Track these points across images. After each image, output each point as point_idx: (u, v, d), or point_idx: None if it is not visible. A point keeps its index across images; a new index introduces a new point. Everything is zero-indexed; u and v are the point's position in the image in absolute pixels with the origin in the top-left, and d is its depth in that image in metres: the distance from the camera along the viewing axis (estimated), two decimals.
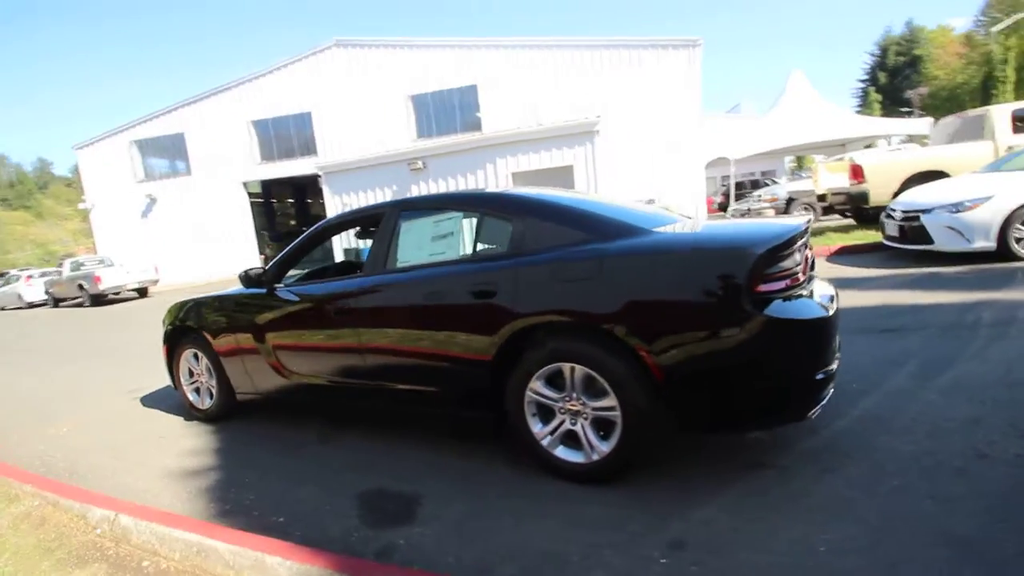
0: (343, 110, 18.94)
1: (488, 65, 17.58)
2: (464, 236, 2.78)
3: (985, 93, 25.88)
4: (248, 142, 20.25)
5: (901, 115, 29.53)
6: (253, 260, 21.04)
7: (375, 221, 3.20)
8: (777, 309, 2.06)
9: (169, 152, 21.35)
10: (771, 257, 2.07)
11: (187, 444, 3.61)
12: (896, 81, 51.18)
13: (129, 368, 6.38)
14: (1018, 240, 5.84)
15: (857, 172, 9.11)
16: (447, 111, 18.17)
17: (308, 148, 19.70)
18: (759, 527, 2.00)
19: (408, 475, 2.75)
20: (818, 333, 2.13)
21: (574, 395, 2.41)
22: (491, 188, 2.79)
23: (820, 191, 11.75)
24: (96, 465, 3.41)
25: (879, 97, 45.76)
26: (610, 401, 2.30)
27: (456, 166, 14.30)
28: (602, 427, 2.38)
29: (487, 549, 2.06)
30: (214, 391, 3.90)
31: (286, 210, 29.21)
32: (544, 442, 2.51)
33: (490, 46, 17.52)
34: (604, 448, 2.35)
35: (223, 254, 20.96)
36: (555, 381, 2.47)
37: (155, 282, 16.93)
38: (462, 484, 2.60)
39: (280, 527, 2.39)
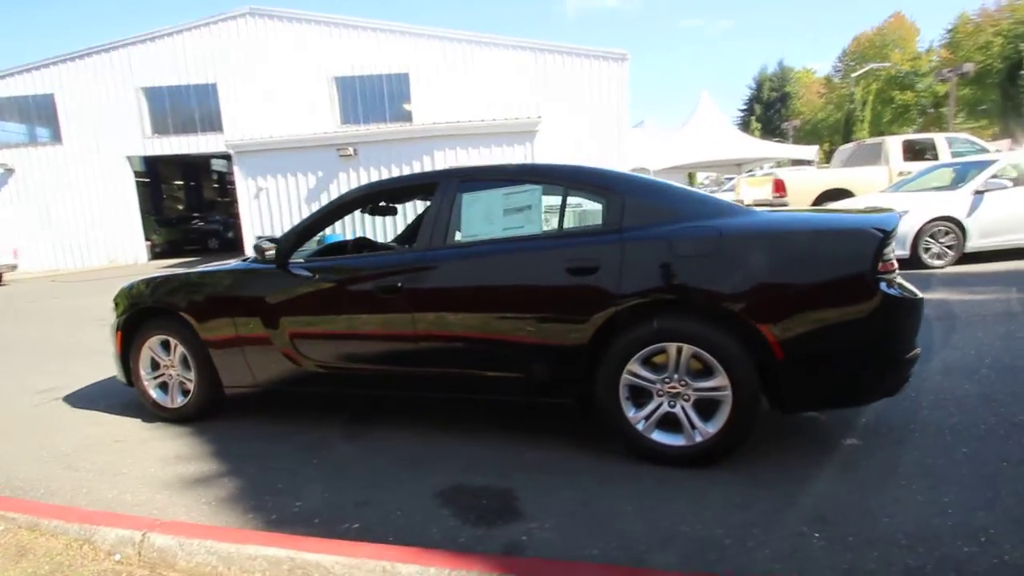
0: (257, 85, 17.27)
1: (422, 55, 17.03)
2: (542, 210, 2.60)
3: (847, 129, 30.06)
4: (137, 112, 17.72)
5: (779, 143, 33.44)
6: (137, 247, 18.47)
7: (424, 191, 2.89)
8: (891, 289, 2.15)
9: (32, 116, 18.02)
10: (886, 240, 2.16)
11: (164, 448, 3.00)
12: (770, 113, 58.00)
13: (21, 367, 5.25)
14: (926, 250, 6.79)
15: (780, 186, 10.09)
16: (376, 98, 17.30)
17: (212, 124, 17.69)
18: (880, 497, 2.07)
19: (480, 469, 2.51)
20: (917, 313, 2.26)
21: (675, 376, 2.35)
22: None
23: (746, 203, 12.87)
24: (45, 477, 2.71)
25: (759, 126, 51.30)
26: (719, 381, 2.26)
27: (390, 155, 13.66)
28: (703, 408, 2.34)
29: (625, 537, 1.92)
30: (192, 385, 3.29)
31: (173, 192, 26.06)
32: (639, 426, 2.41)
33: (425, 35, 16.98)
34: (710, 429, 2.31)
35: (100, 239, 18.14)
36: (653, 362, 2.38)
37: (13, 267, 14.19)
38: (548, 474, 2.41)
39: (362, 533, 2.05)
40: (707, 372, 2.30)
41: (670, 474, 2.34)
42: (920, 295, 2.32)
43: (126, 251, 18.32)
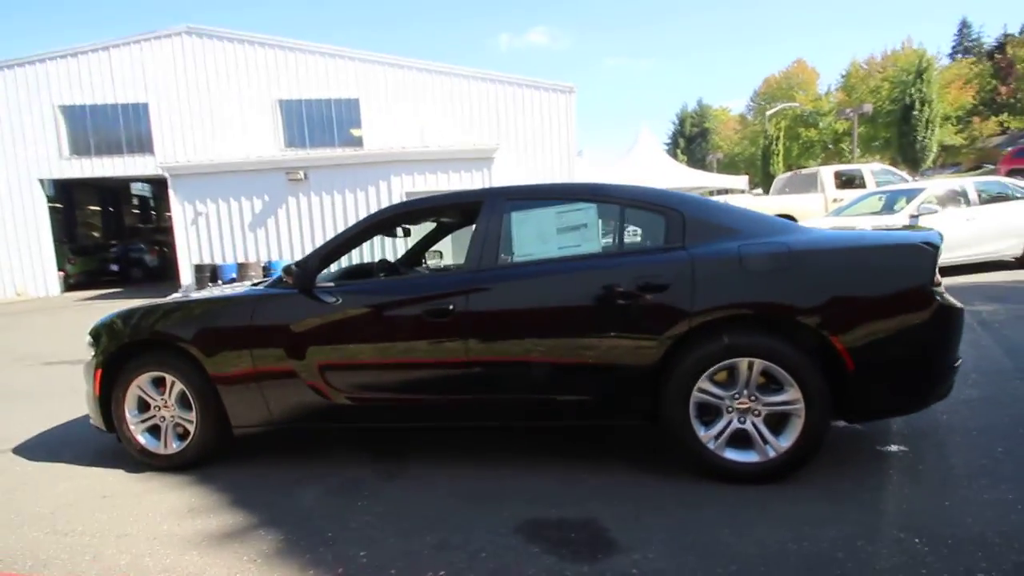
0: (195, 106, 16.29)
1: (372, 81, 16.80)
2: (598, 229, 2.57)
3: (765, 162, 32.70)
4: (54, 131, 16.16)
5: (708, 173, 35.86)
6: (49, 278, 16.62)
7: (466, 210, 2.79)
8: (945, 299, 2.29)
9: None
10: (937, 254, 2.30)
11: (168, 501, 2.63)
12: (692, 147, 62.39)
13: None
14: None
15: None
16: (324, 123, 16.80)
17: (141, 145, 16.44)
18: (952, 498, 2.15)
19: (548, 500, 2.37)
20: (961, 322, 2.41)
21: (745, 392, 2.35)
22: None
23: None
24: (28, 546, 2.28)
25: (685, 158, 54.75)
26: (791, 395, 2.29)
27: (342, 180, 13.26)
28: (772, 424, 2.35)
29: (740, 561, 1.86)
30: (192, 427, 2.92)
31: (89, 218, 23.83)
32: (710, 445, 2.38)
33: (376, 62, 16.80)
34: (784, 444, 2.32)
35: (6, 268, 16.17)
36: (721, 378, 2.38)
37: None
38: (622, 500, 2.32)
39: None
40: (776, 386, 2.33)
41: (744, 492, 2.31)
42: (962, 306, 2.48)
43: (36, 282, 16.43)
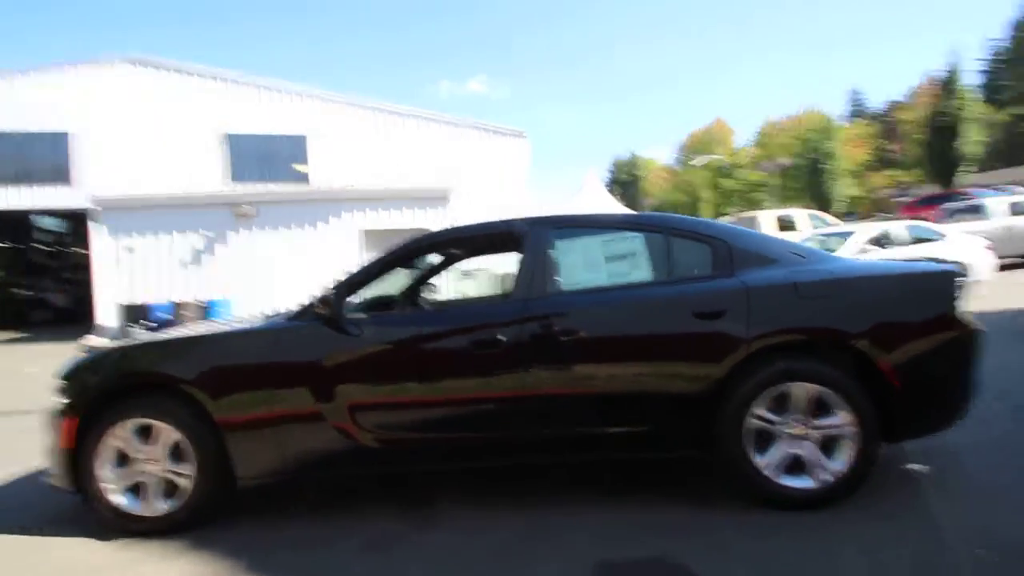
0: (132, 138, 15.22)
1: (320, 118, 16.52)
2: (647, 257, 2.57)
3: (694, 209, 35.06)
4: None
5: None
6: None
7: (506, 241, 2.72)
8: (972, 322, 2.45)
9: None
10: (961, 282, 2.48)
11: (172, 571, 2.24)
12: (626, 194, 66.04)
13: None
14: None
15: None
16: (270, 158, 16.19)
17: (58, 175, 15.05)
18: (999, 511, 2.24)
19: (610, 541, 2.25)
20: (982, 344, 2.58)
21: (798, 417, 2.38)
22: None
23: None
24: None
25: (623, 203, 57.61)
26: (843, 418, 2.33)
27: (291, 216, 12.73)
28: (825, 448, 2.38)
29: None
30: (190, 483, 2.55)
31: None
32: (766, 472, 2.37)
33: (324, 99, 16.58)
34: (838, 467, 2.34)
35: None
36: (774, 405, 2.40)
37: None
38: (689, 535, 2.24)
39: None
40: (825, 410, 2.37)
41: (800, 519, 2.30)
42: (983, 328, 2.64)
43: None
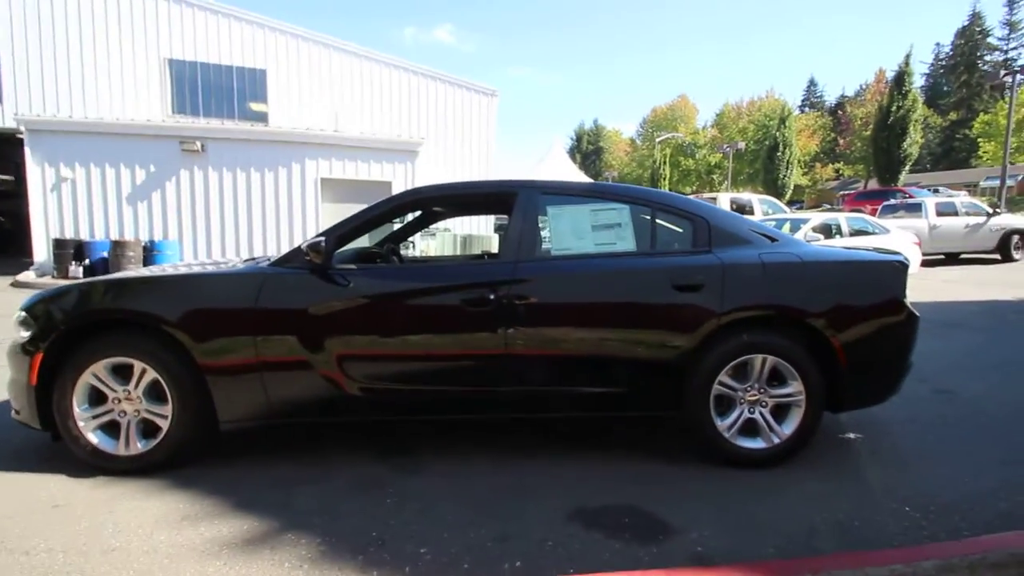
0: (56, 53, 13.79)
1: (283, 54, 15.53)
2: (632, 229, 2.68)
3: (653, 184, 35.69)
4: None
5: None
6: None
7: (496, 201, 2.76)
8: (911, 308, 2.74)
9: None
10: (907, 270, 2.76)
11: (147, 509, 2.26)
12: (587, 163, 66.12)
13: None
14: None
15: None
16: (223, 92, 15.12)
17: None
18: (921, 473, 2.58)
19: (585, 490, 2.43)
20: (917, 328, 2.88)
21: (756, 385, 2.62)
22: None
23: None
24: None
25: (581, 172, 57.82)
26: (794, 388, 2.59)
27: (246, 157, 12.01)
28: (776, 414, 2.65)
29: (783, 535, 2.07)
30: (167, 423, 2.54)
31: None
32: (726, 434, 2.61)
33: (289, 33, 15.49)
34: (786, 431, 2.62)
35: None
36: (738, 373, 2.62)
37: None
38: (655, 486, 2.46)
39: (540, 571, 1.85)
40: (780, 380, 2.62)
41: (755, 476, 2.57)
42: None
43: None
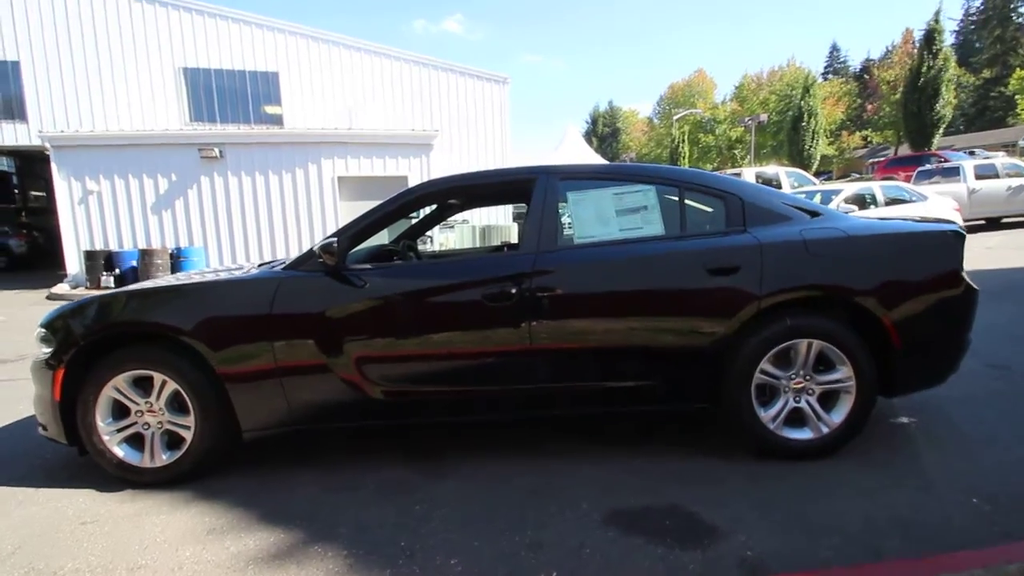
0: (75, 71, 14.07)
1: (295, 55, 15.55)
2: (659, 211, 2.52)
3: (673, 163, 34.87)
4: None
5: None
6: None
7: (517, 189, 2.63)
8: (969, 281, 2.51)
9: None
10: (964, 241, 2.53)
11: (173, 523, 2.22)
12: (604, 146, 65.05)
13: None
14: None
15: None
16: (238, 97, 15.25)
17: (11, 111, 13.92)
18: (986, 460, 2.37)
19: (620, 490, 2.30)
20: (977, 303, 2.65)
21: (801, 372, 2.44)
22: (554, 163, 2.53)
23: None
24: None
25: (599, 155, 57.02)
26: (844, 373, 2.41)
27: (263, 161, 12.11)
28: (824, 401, 2.47)
29: (840, 533, 1.91)
30: (191, 433, 2.50)
31: None
32: (770, 425, 2.45)
33: (299, 34, 15.51)
34: (836, 420, 2.44)
35: None
36: (781, 360, 2.45)
37: None
38: (695, 485, 2.31)
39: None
40: (827, 365, 2.44)
41: (800, 468, 2.40)
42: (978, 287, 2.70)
43: None
